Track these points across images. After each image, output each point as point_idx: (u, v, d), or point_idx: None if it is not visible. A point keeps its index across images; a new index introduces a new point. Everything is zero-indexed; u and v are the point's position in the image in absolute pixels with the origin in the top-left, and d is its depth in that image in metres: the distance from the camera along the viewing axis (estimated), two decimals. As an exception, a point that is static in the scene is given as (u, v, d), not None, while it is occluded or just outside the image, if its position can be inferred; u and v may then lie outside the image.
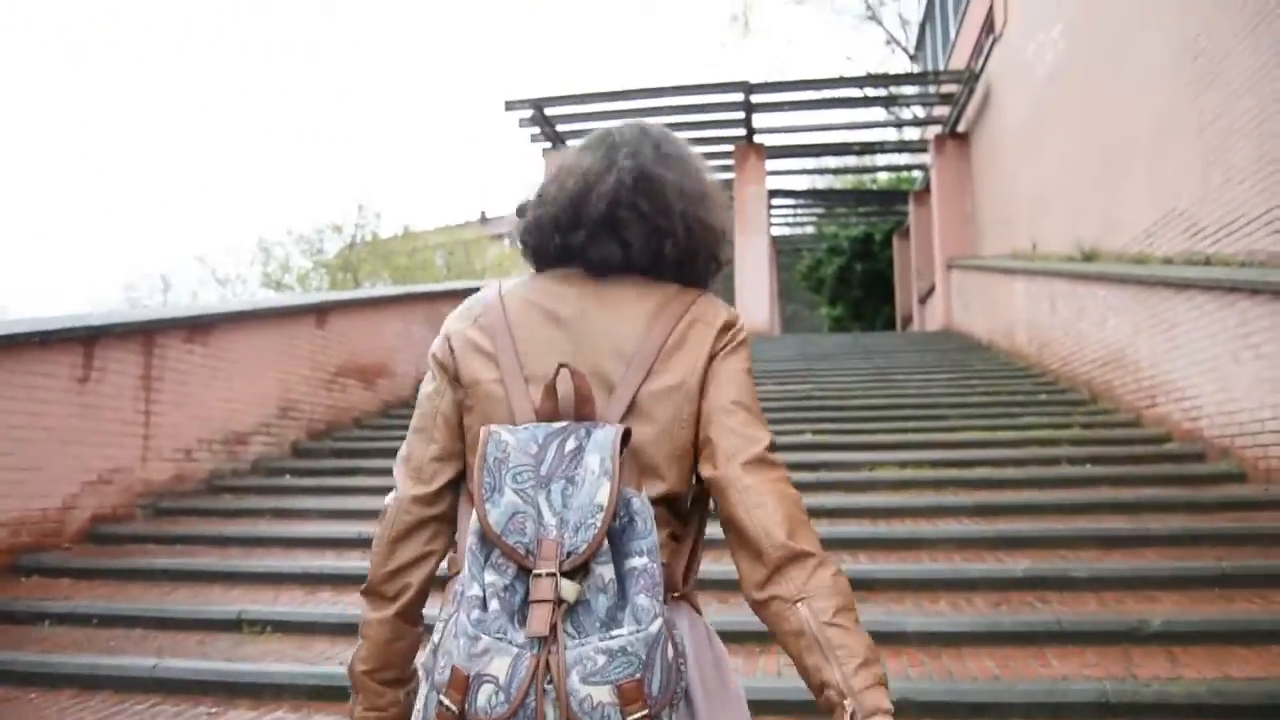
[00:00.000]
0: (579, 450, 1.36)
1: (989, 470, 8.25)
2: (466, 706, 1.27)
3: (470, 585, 1.33)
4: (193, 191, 71.27)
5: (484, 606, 1.31)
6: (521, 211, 1.68)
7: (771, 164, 21.65)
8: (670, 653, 1.29)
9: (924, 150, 21.81)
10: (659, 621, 1.28)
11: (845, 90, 22.07)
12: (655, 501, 1.44)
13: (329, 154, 77.84)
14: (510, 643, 1.27)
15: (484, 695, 1.26)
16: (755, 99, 19.12)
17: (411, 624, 1.60)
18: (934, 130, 20.76)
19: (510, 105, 19.29)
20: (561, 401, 1.45)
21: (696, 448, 1.51)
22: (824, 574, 1.39)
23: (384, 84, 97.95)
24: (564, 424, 1.41)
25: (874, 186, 28.79)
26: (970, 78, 18.14)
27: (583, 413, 1.44)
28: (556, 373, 1.45)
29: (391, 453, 2.62)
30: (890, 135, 24.78)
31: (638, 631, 1.26)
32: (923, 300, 23.47)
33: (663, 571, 1.34)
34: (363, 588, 1.60)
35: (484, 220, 47.75)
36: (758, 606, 1.44)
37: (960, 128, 19.78)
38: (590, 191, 1.57)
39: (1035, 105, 14.95)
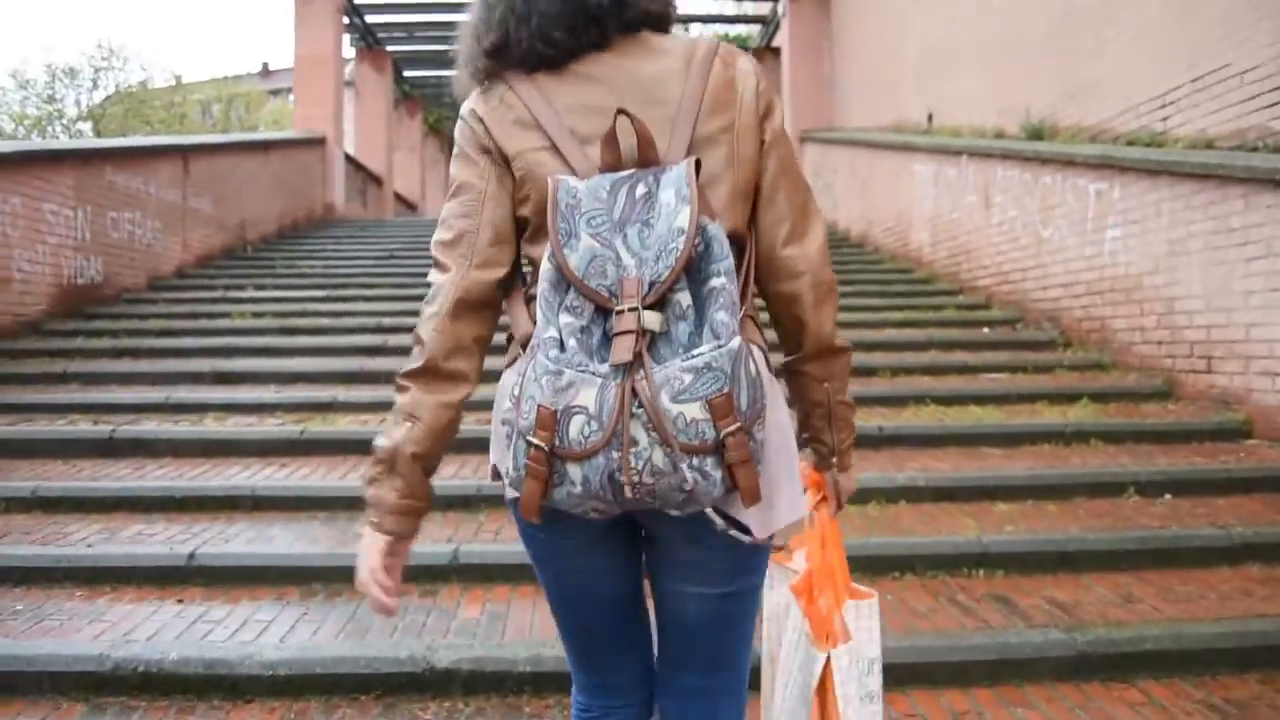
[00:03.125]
0: (649, 195, 1.36)
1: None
2: (557, 443, 1.27)
3: (545, 329, 1.32)
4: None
5: (561, 346, 1.30)
6: (472, 40, 1.56)
7: None
8: (753, 368, 1.31)
9: (769, -2, 17.81)
10: (738, 338, 1.28)
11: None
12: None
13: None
14: (594, 374, 1.27)
15: (575, 426, 1.26)
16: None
17: (463, 408, 1.51)
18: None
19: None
20: (625, 151, 1.41)
21: (755, 204, 1.52)
22: (844, 362, 1.59)
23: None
24: (630, 171, 1.39)
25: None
26: (842, -99, 14.12)
27: (647, 158, 1.41)
28: (615, 120, 1.40)
29: None
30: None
31: (720, 347, 1.26)
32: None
33: (737, 291, 1.34)
34: (414, 368, 1.49)
35: (266, 73, 42.91)
36: (791, 372, 1.60)
37: (819, -31, 15.84)
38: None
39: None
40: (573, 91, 1.48)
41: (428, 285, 1.55)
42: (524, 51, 1.49)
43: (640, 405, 1.24)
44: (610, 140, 1.40)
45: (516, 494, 1.33)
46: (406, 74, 22.51)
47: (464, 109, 1.55)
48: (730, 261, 1.33)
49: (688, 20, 23.25)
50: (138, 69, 43.32)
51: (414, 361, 1.50)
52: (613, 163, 1.41)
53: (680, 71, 1.48)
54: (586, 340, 1.30)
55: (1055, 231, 7.78)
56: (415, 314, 1.56)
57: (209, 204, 11.57)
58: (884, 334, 7.90)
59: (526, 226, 1.51)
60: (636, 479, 1.26)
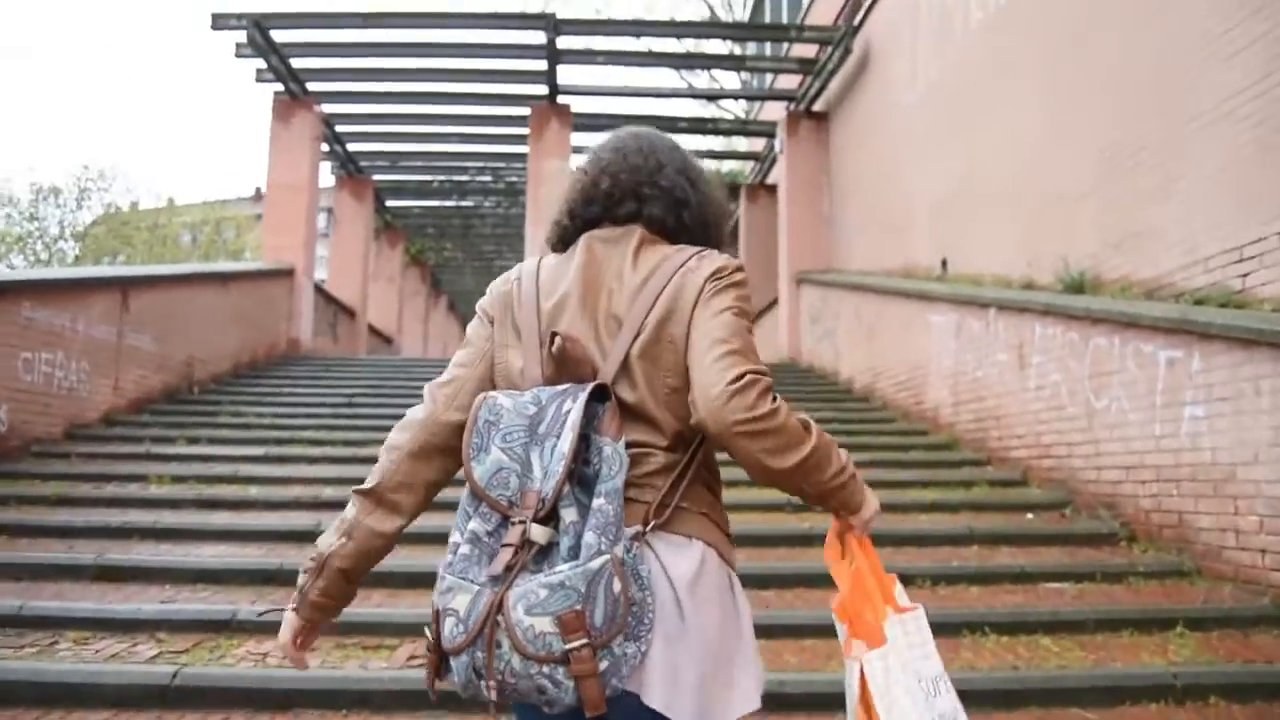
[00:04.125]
0: (569, 412, 1.46)
1: None
2: (439, 636, 1.44)
3: (453, 534, 1.50)
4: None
5: (455, 552, 1.46)
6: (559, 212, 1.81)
7: (578, 137, 16.36)
8: (617, 587, 1.37)
9: (764, 134, 17.02)
10: (602, 558, 1.37)
11: (671, 40, 17.07)
12: (648, 445, 1.57)
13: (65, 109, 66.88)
14: (472, 581, 1.42)
15: (448, 626, 1.42)
16: (563, 42, 13.79)
17: (396, 538, 1.66)
18: (774, 110, 16.01)
19: (220, 22, 13.19)
20: (559, 363, 1.55)
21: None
22: (810, 463, 1.53)
23: (144, 39, 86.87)
24: (565, 387, 1.52)
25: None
26: (842, 36, 13.39)
27: (580, 374, 1.54)
28: (551, 341, 1.55)
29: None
30: (727, 112, 19.94)
31: (576, 567, 1.36)
32: (754, 319, 18.62)
33: (620, 511, 1.42)
34: (364, 488, 1.66)
35: (258, 196, 42.43)
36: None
37: (817, 106, 15.08)
38: (611, 177, 1.75)
39: (957, 69, 10.27)
40: (553, 293, 1.66)
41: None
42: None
43: (503, 613, 1.37)
44: (550, 356, 1.56)
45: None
46: (390, 204, 21.67)
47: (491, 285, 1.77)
48: (617, 482, 1.43)
49: (694, 129, 22.59)
50: (124, 190, 42.60)
51: (369, 480, 1.67)
52: (553, 376, 1.57)
53: (638, 286, 1.61)
54: (492, 544, 1.45)
55: (1113, 403, 6.58)
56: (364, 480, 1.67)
57: (150, 341, 10.33)
58: (916, 522, 6.60)
59: None
60: (500, 678, 1.38)
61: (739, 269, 1.65)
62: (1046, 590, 5.42)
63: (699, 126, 18.15)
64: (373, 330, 20.24)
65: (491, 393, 1.54)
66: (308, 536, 6.03)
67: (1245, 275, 5.86)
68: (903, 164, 11.78)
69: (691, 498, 1.59)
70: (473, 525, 1.46)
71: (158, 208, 36.74)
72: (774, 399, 1.50)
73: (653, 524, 1.52)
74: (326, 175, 17.77)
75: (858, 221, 13.60)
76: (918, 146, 11.30)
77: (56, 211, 31.27)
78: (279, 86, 14.58)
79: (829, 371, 13.20)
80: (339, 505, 5.93)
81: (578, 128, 15.73)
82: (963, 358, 8.98)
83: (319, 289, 16.55)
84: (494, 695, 1.39)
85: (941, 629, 4.83)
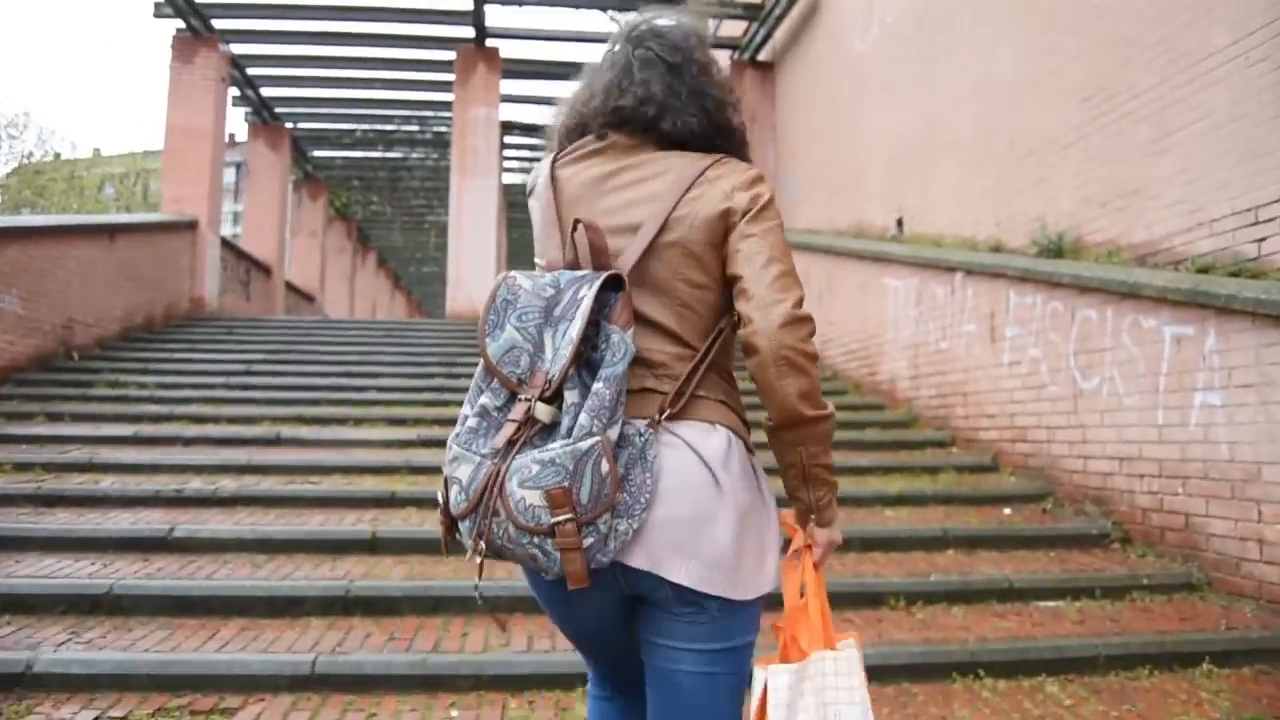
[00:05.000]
0: (584, 297, 1.50)
1: None
2: (448, 501, 1.53)
3: (464, 406, 1.58)
4: None
5: (463, 424, 1.55)
6: (559, 117, 1.82)
7: (508, 85, 15.11)
8: (605, 467, 1.44)
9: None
10: (592, 439, 1.43)
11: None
12: (664, 338, 1.62)
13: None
14: (475, 453, 1.50)
15: (453, 493, 1.52)
16: (490, -24, 12.53)
17: None
18: (723, 58, 14.92)
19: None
20: (580, 253, 1.59)
21: (725, 287, 1.63)
22: (820, 430, 1.58)
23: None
24: (583, 273, 1.56)
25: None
26: (793, -21, 12.32)
27: (599, 262, 1.58)
28: (574, 228, 1.60)
29: None
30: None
31: (567, 445, 1.43)
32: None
33: (617, 397, 1.47)
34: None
35: None
36: (769, 435, 1.62)
37: (763, 55, 14.03)
38: (620, 81, 1.72)
39: (916, 8, 9.26)
40: (578, 182, 1.70)
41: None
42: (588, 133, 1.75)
43: (498, 484, 1.46)
44: (570, 243, 1.61)
45: None
46: (314, 154, 20.23)
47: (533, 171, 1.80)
48: (619, 369, 1.48)
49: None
50: (36, 140, 40.21)
51: None
52: (572, 261, 1.62)
53: (667, 183, 1.65)
54: (499, 418, 1.52)
55: (1104, 384, 5.71)
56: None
57: (16, 301, 9.03)
58: (883, 520, 5.69)
59: None
60: (499, 543, 1.48)
61: (762, 178, 1.67)
62: (1041, 613, 4.53)
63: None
64: (292, 288, 18.89)
65: (511, 273, 1.59)
66: (157, 546, 4.93)
67: (1261, 240, 4.98)
68: (854, 116, 10.80)
69: (708, 386, 1.64)
70: (483, 400, 1.54)
71: (76, 158, 34.74)
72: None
73: (669, 412, 1.57)
74: (241, 125, 16.35)
75: (806, 178, 12.62)
76: (871, 96, 10.32)
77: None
78: (180, 24, 13.16)
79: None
80: (204, 502, 4.84)
81: (508, 74, 14.50)
82: (924, 327, 8.08)
83: (228, 244, 15.18)
84: (496, 554, 1.50)
85: (929, 673, 3.89)
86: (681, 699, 1.59)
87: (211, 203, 13.45)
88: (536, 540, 1.43)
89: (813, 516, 1.68)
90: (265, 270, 16.69)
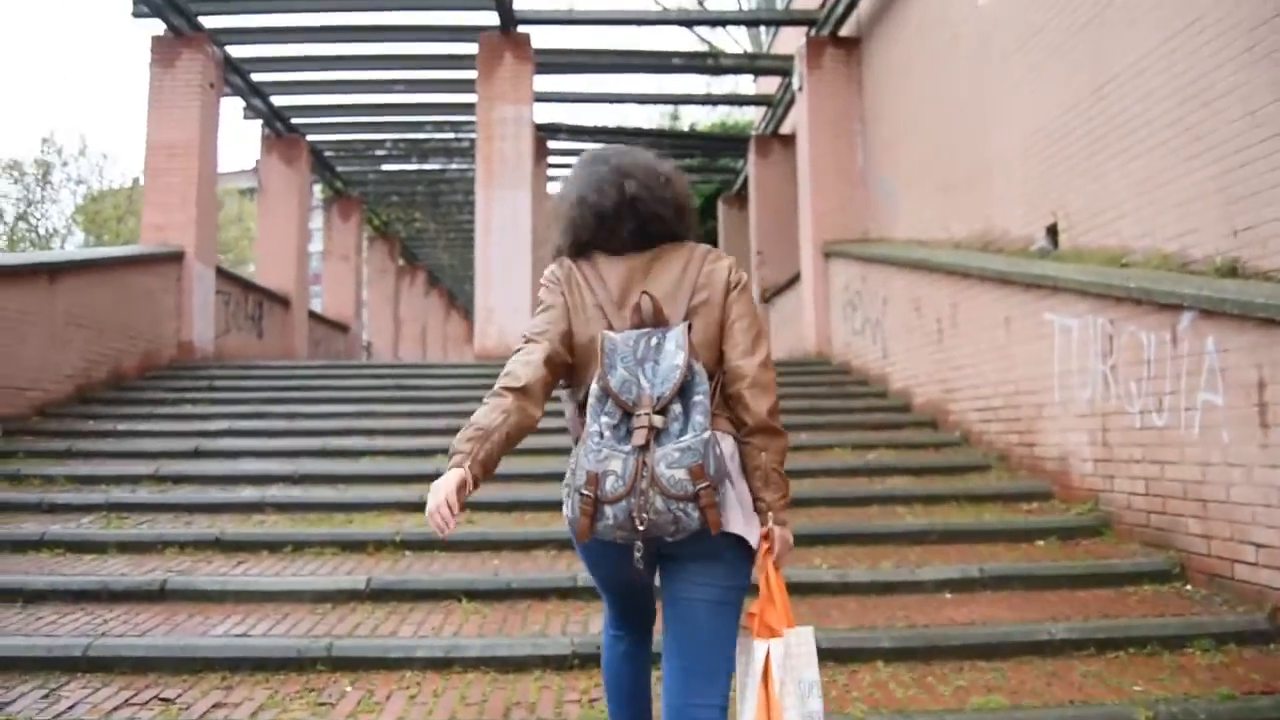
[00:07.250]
0: (660, 344, 2.15)
1: None
2: (599, 493, 2.04)
3: (591, 425, 2.11)
4: None
5: (601, 435, 2.08)
6: (554, 227, 2.45)
7: (543, 81, 12.68)
8: (718, 450, 2.08)
9: (778, 71, 13.33)
10: (709, 432, 2.05)
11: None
12: (701, 363, 2.19)
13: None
14: (621, 451, 2.05)
15: (609, 482, 2.03)
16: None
17: (532, 428, 2.24)
18: (790, 39, 12.33)
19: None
20: (645, 316, 2.21)
21: (721, 342, 2.28)
22: (780, 441, 2.25)
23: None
24: (648, 329, 2.19)
25: (698, 128, 19.66)
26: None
27: (659, 320, 2.22)
28: (640, 298, 2.23)
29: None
30: (732, 41, 16.14)
31: (697, 436, 2.04)
32: (769, 298, 14.96)
33: (710, 404, 2.12)
34: (511, 386, 2.18)
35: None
36: (742, 445, 2.24)
37: (845, 29, 11.39)
38: (611, 202, 2.33)
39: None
40: (617, 270, 2.31)
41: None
42: (592, 250, 2.37)
43: (647, 470, 2.01)
44: (636, 309, 2.23)
45: (573, 528, 2.10)
46: (341, 170, 18.06)
47: (549, 272, 2.38)
48: (706, 385, 2.12)
49: (679, 101, 18.84)
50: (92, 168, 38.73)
51: (510, 382, 2.18)
52: (638, 323, 2.22)
53: (682, 269, 2.31)
54: (618, 432, 2.08)
55: None
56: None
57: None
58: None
59: (572, 359, 2.29)
60: (644, 515, 2.01)
61: (735, 262, 2.39)
62: None
63: (696, 64, 14.30)
64: (319, 319, 16.71)
65: (607, 332, 2.19)
66: None
67: None
68: (976, 93, 8.12)
69: (718, 404, 2.23)
70: (604, 419, 2.09)
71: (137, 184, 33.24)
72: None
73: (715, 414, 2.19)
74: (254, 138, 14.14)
75: (905, 176, 9.95)
76: (1001, 66, 7.63)
77: (14, 189, 27.94)
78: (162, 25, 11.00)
79: (873, 376, 9.62)
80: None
81: (541, 68, 12.07)
82: (1121, 389, 5.38)
83: (229, 276, 13.02)
84: (641, 528, 2.02)
85: None
86: (699, 625, 2.20)
87: (201, 229, 11.23)
88: (680, 506, 2.00)
89: (770, 515, 2.23)
90: (283, 302, 14.48)
